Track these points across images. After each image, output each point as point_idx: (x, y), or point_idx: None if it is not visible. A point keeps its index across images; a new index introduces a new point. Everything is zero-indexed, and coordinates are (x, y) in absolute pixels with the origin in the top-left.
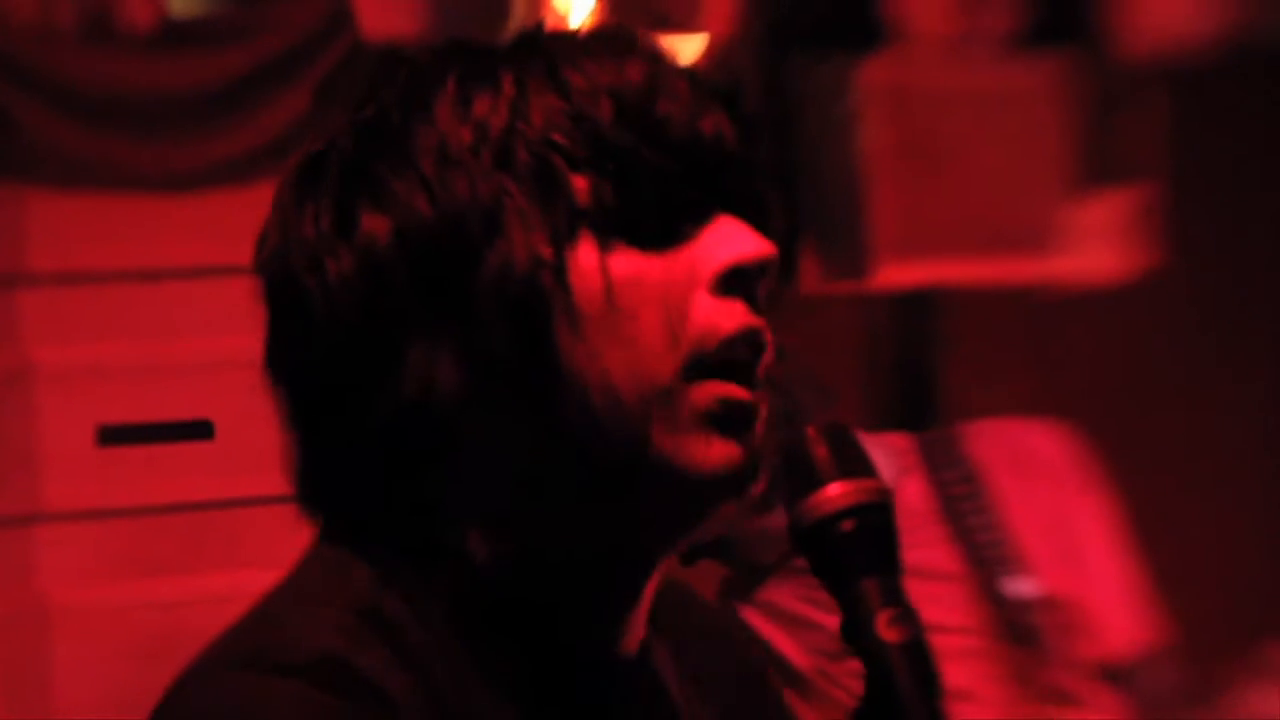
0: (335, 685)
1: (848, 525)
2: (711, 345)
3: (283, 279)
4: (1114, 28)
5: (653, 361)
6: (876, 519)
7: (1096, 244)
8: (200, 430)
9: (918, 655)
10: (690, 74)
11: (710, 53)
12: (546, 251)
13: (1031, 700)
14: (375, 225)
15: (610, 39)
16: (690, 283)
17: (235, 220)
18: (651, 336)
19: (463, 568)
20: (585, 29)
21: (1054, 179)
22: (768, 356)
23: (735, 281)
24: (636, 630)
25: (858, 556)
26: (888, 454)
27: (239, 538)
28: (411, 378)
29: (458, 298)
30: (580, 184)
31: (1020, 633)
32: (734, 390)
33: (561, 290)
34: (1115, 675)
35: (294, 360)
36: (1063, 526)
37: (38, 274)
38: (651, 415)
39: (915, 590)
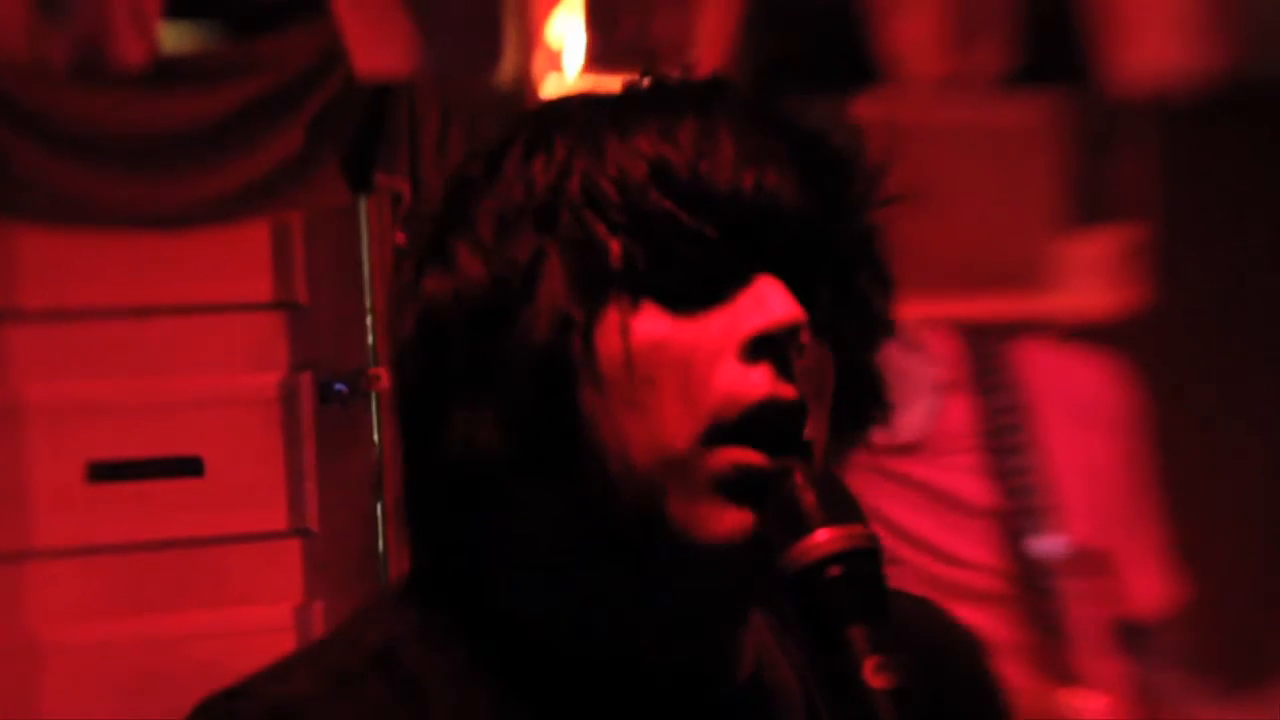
0: None
1: (835, 571)
2: (733, 414)
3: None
4: (1105, 66)
5: (670, 428)
6: (865, 565)
7: (1088, 281)
8: (190, 467)
9: (905, 701)
10: (751, 123)
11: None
12: (575, 313)
13: (1041, 663)
14: (438, 286)
15: (668, 96)
16: (719, 348)
17: (227, 258)
18: (670, 403)
19: (505, 621)
20: (647, 85)
21: (1045, 216)
22: (804, 421)
23: (764, 348)
24: (730, 672)
25: (845, 602)
26: (936, 361)
27: (228, 575)
28: (456, 438)
29: (498, 358)
30: (615, 247)
31: (1040, 594)
32: (752, 456)
33: (586, 353)
34: (1134, 634)
35: (395, 407)
36: (1100, 475)
37: (28, 311)
38: (667, 482)
39: (943, 518)
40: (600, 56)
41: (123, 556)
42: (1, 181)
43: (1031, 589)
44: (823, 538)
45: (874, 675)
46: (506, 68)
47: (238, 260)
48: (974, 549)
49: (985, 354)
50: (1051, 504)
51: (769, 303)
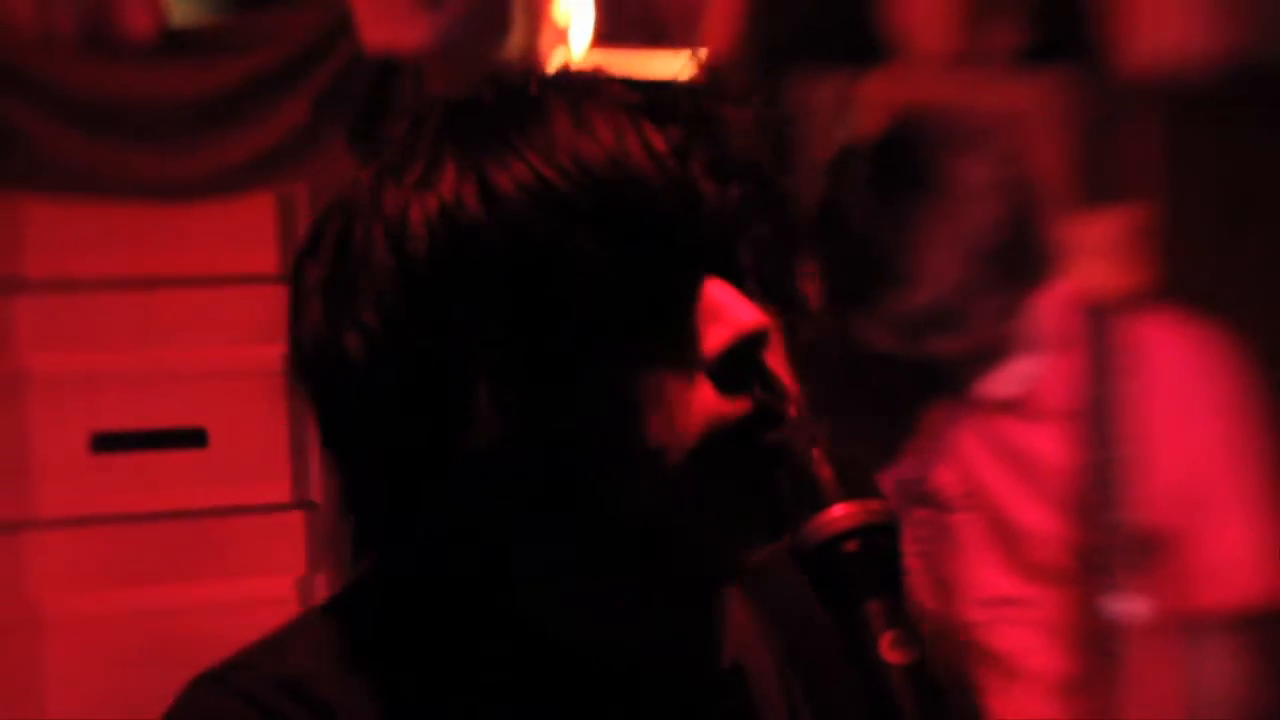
0: (276, 709)
1: (852, 546)
2: (723, 428)
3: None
4: (1113, 47)
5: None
6: (881, 540)
7: (1093, 263)
8: (194, 438)
9: (922, 677)
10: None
11: (708, 69)
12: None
13: (1087, 696)
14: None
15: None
16: (689, 371)
17: (232, 230)
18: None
19: (497, 604)
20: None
21: (1051, 198)
22: (793, 403)
23: (738, 359)
24: (712, 653)
25: (862, 578)
26: (1043, 322)
27: (231, 546)
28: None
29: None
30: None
31: (1104, 655)
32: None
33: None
34: (1237, 626)
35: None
36: (1198, 458)
37: (33, 281)
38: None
39: (1024, 482)
40: (607, 32)
41: (125, 527)
42: (8, 152)
43: (1098, 649)
44: (839, 513)
45: (890, 650)
46: (514, 43)
47: (243, 232)
48: (1046, 518)
49: (1098, 323)
50: (1135, 482)
51: (732, 312)
